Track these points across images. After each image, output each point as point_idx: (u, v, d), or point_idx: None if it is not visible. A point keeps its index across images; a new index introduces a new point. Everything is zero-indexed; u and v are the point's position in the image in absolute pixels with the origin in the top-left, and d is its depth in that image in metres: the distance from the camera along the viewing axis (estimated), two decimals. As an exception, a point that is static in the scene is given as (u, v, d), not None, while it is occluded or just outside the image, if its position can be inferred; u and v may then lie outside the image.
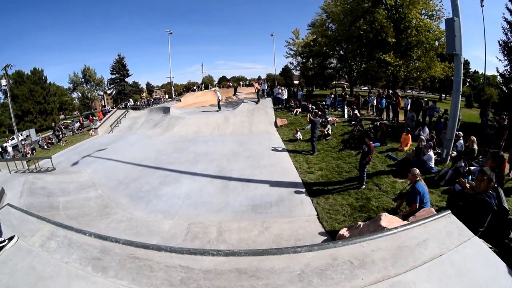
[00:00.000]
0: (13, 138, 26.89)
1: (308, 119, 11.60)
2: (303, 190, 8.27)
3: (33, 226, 3.48)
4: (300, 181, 8.96)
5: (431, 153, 8.29)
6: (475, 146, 8.33)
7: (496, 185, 3.79)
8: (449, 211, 3.14)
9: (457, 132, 9.12)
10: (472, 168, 7.02)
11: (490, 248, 2.77)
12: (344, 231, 5.44)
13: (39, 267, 2.72)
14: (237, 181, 9.34)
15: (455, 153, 8.46)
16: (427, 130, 10.94)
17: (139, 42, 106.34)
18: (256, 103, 20.00)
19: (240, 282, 2.42)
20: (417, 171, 5.68)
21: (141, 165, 11.95)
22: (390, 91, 18.13)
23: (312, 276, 2.32)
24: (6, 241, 3.03)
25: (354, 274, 2.30)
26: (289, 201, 7.68)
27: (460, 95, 8.47)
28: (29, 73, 42.16)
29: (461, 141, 9.26)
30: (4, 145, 23.24)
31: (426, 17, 21.82)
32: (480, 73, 41.77)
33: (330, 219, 6.47)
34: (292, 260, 2.50)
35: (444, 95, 39.05)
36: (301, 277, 2.34)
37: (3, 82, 26.70)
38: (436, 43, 21.25)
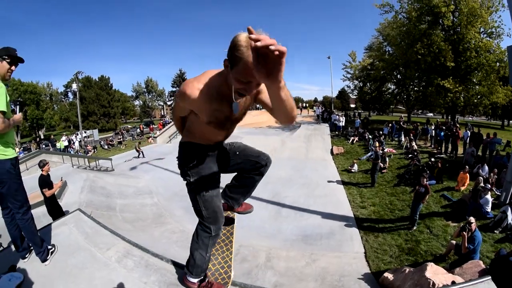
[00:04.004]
0: (77, 134, 30.48)
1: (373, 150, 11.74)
2: (354, 225, 8.42)
3: (107, 239, 3.52)
4: (352, 215, 9.07)
5: (488, 196, 8.00)
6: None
7: None
8: (489, 277, 3.38)
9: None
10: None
11: None
12: (388, 274, 5.69)
13: (118, 281, 2.73)
14: (290, 208, 9.64)
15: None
16: (486, 168, 10.43)
17: (200, 58, 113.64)
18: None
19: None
20: (473, 221, 5.87)
21: (197, 181, 12.90)
22: (450, 122, 17.31)
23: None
24: (53, 247, 3.07)
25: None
26: (339, 235, 7.86)
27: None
28: (97, 79, 47.87)
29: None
30: (71, 138, 25.99)
31: (485, 35, 20.53)
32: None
33: (376, 258, 6.69)
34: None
35: (507, 122, 35.29)
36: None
37: (74, 86, 31.38)
38: (498, 64, 19.79)
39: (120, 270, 2.92)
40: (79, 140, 26.17)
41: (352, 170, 13.43)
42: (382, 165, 12.75)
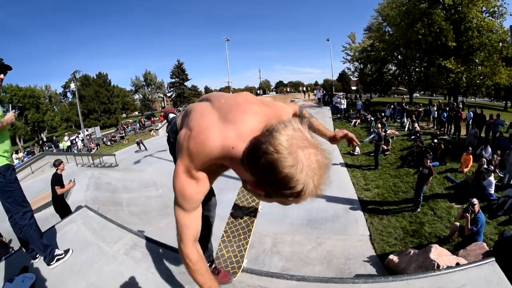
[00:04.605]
0: (79, 133, 30.23)
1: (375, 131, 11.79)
2: (359, 207, 8.48)
3: (114, 233, 3.53)
4: (356, 198, 9.13)
5: (491, 178, 8.01)
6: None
7: None
8: (493, 259, 3.40)
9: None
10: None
11: None
12: (393, 257, 5.78)
13: (127, 274, 2.75)
14: (296, 192, 9.77)
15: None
16: (489, 149, 10.41)
17: (198, 48, 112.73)
18: None
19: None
20: (476, 202, 5.90)
21: (202, 170, 12.98)
22: (453, 103, 17.15)
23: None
24: (63, 253, 2.99)
25: (399, 311, 2.78)
26: (344, 218, 7.94)
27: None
28: (95, 77, 47.68)
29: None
30: (72, 138, 26.20)
31: (487, 15, 20.08)
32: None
33: (382, 241, 6.76)
34: (351, 290, 3.00)
35: (510, 103, 34.80)
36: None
37: (72, 85, 31.34)
38: (500, 44, 19.43)
39: (129, 262, 2.96)
40: (81, 138, 26.23)
41: (355, 153, 13.42)
42: (385, 147, 12.74)
